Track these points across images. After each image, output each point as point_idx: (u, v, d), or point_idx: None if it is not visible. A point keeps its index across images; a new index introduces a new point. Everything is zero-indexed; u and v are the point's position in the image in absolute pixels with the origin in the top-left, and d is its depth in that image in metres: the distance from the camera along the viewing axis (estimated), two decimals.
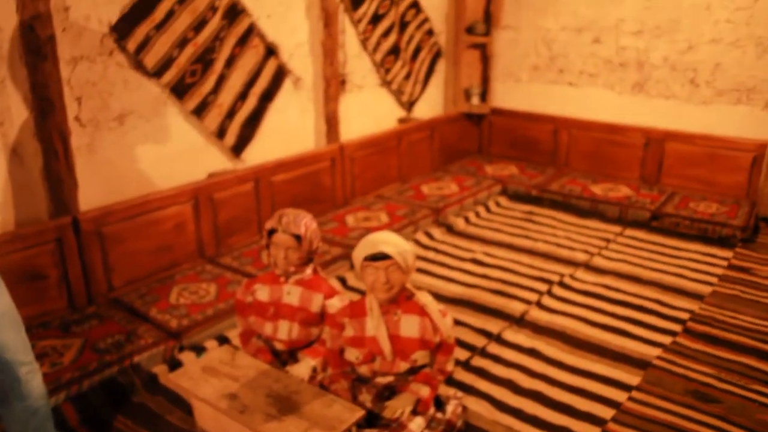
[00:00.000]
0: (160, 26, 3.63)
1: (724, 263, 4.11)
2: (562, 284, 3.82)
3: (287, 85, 4.46)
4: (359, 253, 2.28)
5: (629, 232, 4.64)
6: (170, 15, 3.66)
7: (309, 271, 2.63)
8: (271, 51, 4.28)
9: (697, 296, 3.66)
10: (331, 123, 4.76)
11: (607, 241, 4.48)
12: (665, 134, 5.28)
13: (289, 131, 4.55)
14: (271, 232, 2.53)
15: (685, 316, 3.44)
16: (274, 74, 4.34)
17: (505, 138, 6.26)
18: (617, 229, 4.69)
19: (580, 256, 4.21)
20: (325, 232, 4.25)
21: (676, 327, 3.33)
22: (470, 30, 5.93)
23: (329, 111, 4.73)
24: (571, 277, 3.91)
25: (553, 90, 5.87)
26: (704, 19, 4.95)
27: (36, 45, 3.06)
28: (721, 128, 5.02)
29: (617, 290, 3.74)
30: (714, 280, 3.87)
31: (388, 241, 2.26)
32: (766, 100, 4.83)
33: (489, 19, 5.97)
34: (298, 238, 2.49)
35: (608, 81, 5.55)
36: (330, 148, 4.77)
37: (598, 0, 5.43)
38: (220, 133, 4.08)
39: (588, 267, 4.06)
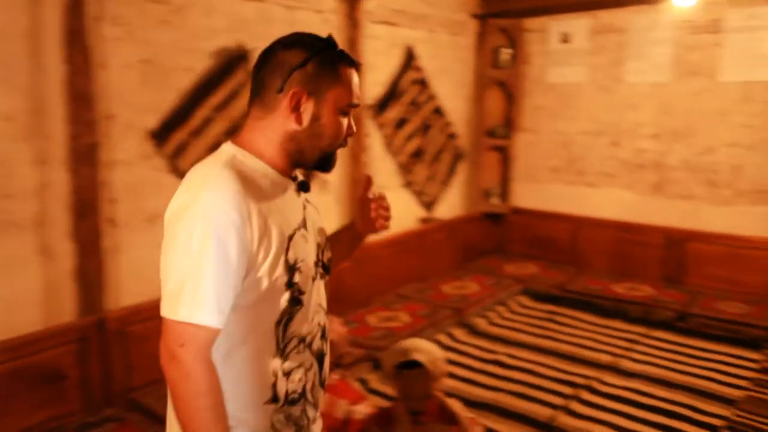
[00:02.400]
0: (197, 132, 3.81)
1: (756, 366, 4.01)
2: (589, 388, 3.74)
3: (315, 186, 4.58)
4: (390, 359, 2.27)
5: (655, 332, 4.56)
6: (207, 122, 3.85)
7: (335, 376, 2.61)
8: None
9: (730, 402, 3.56)
10: None
11: (633, 342, 4.40)
12: (686, 234, 5.31)
13: None
14: None
15: (719, 422, 3.33)
16: None
17: (524, 237, 6.31)
18: (642, 329, 4.62)
19: (606, 358, 4.13)
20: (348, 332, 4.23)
21: None
22: (491, 133, 6.14)
23: None
24: (598, 380, 3.83)
25: (572, 190, 5.97)
26: (720, 123, 5.10)
27: (81, 151, 3.21)
28: (742, 228, 5.05)
29: (647, 395, 3.64)
30: (747, 384, 3.77)
31: (420, 349, 2.26)
32: None
33: (509, 123, 6.18)
34: None
35: (627, 182, 5.65)
36: None
37: (614, 106, 5.63)
38: None
39: (615, 370, 3.98)
